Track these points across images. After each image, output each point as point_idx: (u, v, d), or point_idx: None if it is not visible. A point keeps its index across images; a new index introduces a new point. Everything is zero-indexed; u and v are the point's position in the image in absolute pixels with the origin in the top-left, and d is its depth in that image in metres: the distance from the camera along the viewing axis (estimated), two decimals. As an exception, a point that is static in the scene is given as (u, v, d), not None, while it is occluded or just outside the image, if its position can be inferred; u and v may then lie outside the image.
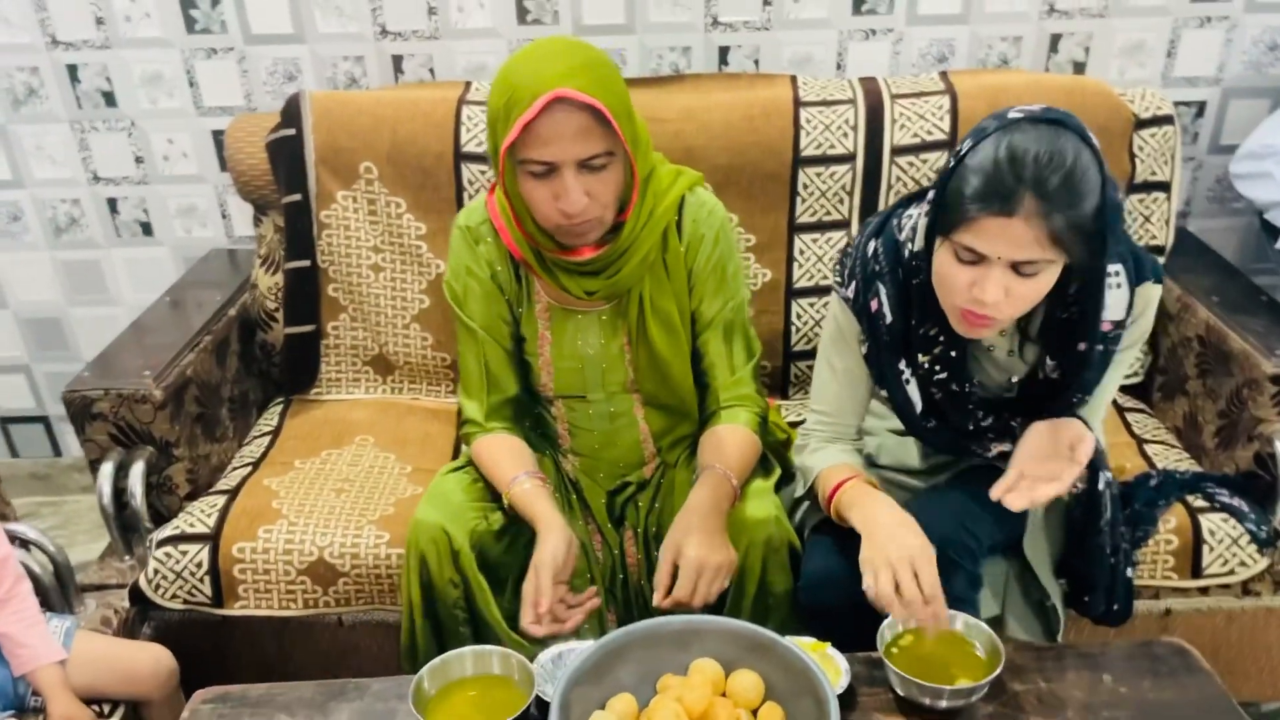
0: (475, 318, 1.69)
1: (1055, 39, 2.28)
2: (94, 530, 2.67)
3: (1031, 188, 1.23)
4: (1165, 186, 2.12)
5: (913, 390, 1.54)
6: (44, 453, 2.81)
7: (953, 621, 1.42)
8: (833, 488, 1.53)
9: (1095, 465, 1.50)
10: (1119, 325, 1.43)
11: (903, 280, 1.48)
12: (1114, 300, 1.42)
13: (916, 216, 1.46)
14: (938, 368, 1.50)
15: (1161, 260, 2.14)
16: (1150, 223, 2.13)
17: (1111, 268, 1.40)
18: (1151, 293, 1.45)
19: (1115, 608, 1.63)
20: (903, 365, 1.52)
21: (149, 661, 1.64)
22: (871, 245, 1.51)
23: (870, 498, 1.48)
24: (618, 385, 1.74)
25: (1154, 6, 2.25)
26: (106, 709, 1.61)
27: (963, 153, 1.30)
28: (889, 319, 1.49)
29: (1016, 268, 1.29)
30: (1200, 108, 2.35)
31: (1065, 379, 1.47)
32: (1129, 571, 1.63)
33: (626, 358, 1.71)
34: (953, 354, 1.48)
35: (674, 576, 1.51)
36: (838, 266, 1.57)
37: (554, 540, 1.54)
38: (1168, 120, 2.09)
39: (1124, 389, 2.20)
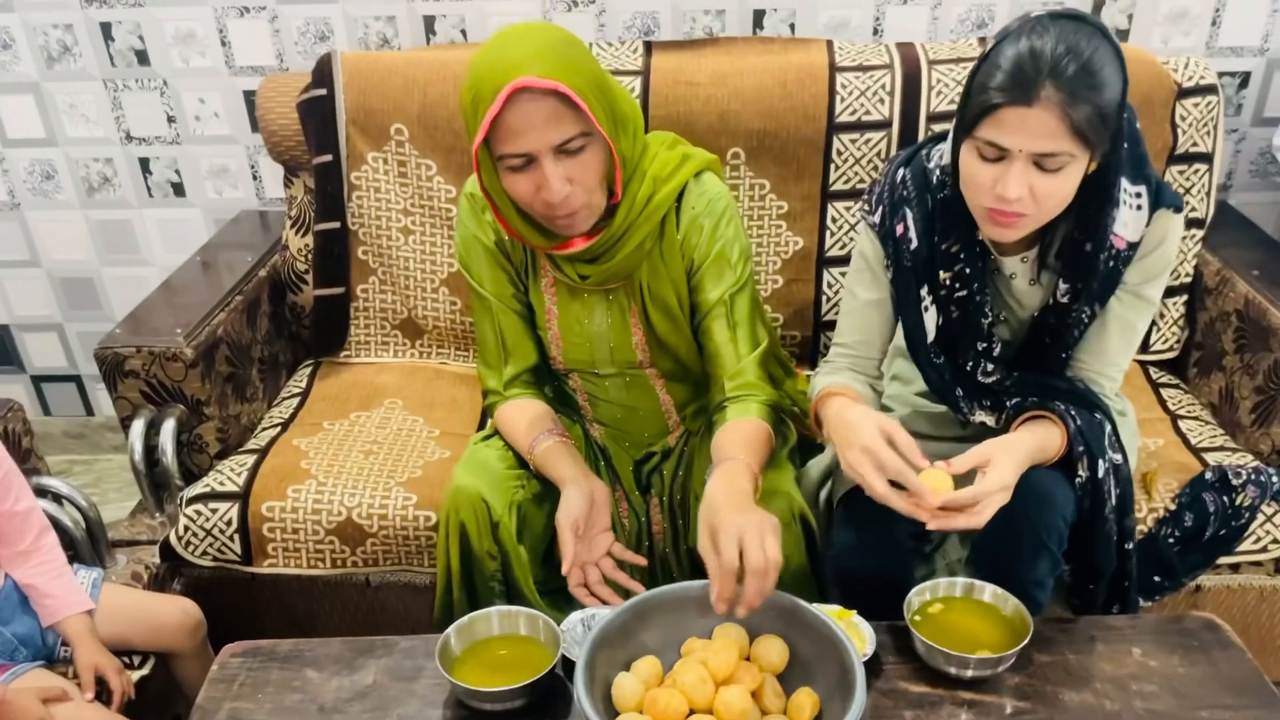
0: (485, 285, 1.68)
1: (1099, 5, 2.23)
2: (125, 489, 2.71)
3: (1049, 77, 1.26)
4: (1207, 158, 2.08)
5: (929, 318, 1.54)
6: (76, 411, 2.84)
7: (980, 592, 1.42)
8: (818, 398, 1.54)
9: (1093, 452, 1.46)
10: (1132, 247, 1.44)
11: (930, 207, 1.49)
12: (1131, 219, 1.42)
13: (946, 145, 1.47)
14: (958, 285, 1.50)
15: (1200, 233, 2.10)
16: (1190, 194, 2.09)
17: (1134, 188, 1.41)
18: (1168, 222, 1.44)
19: (1115, 608, 1.59)
20: (924, 292, 1.53)
21: (176, 613, 1.66)
22: (901, 173, 1.53)
23: (845, 404, 1.47)
24: (628, 361, 1.71)
25: (1200, -27, 2.20)
26: (136, 661, 1.63)
27: (988, 50, 1.32)
28: (914, 243, 1.51)
29: (1039, 163, 1.30)
30: (1245, 78, 2.30)
31: (1073, 299, 1.47)
32: (1134, 561, 1.58)
33: (635, 337, 1.68)
34: (971, 271, 1.49)
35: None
36: (866, 196, 1.58)
37: (570, 497, 1.55)
38: (1211, 90, 2.05)
39: (1159, 364, 2.17)
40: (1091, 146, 1.30)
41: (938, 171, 1.49)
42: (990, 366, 1.55)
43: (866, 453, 1.35)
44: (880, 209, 1.54)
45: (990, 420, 1.57)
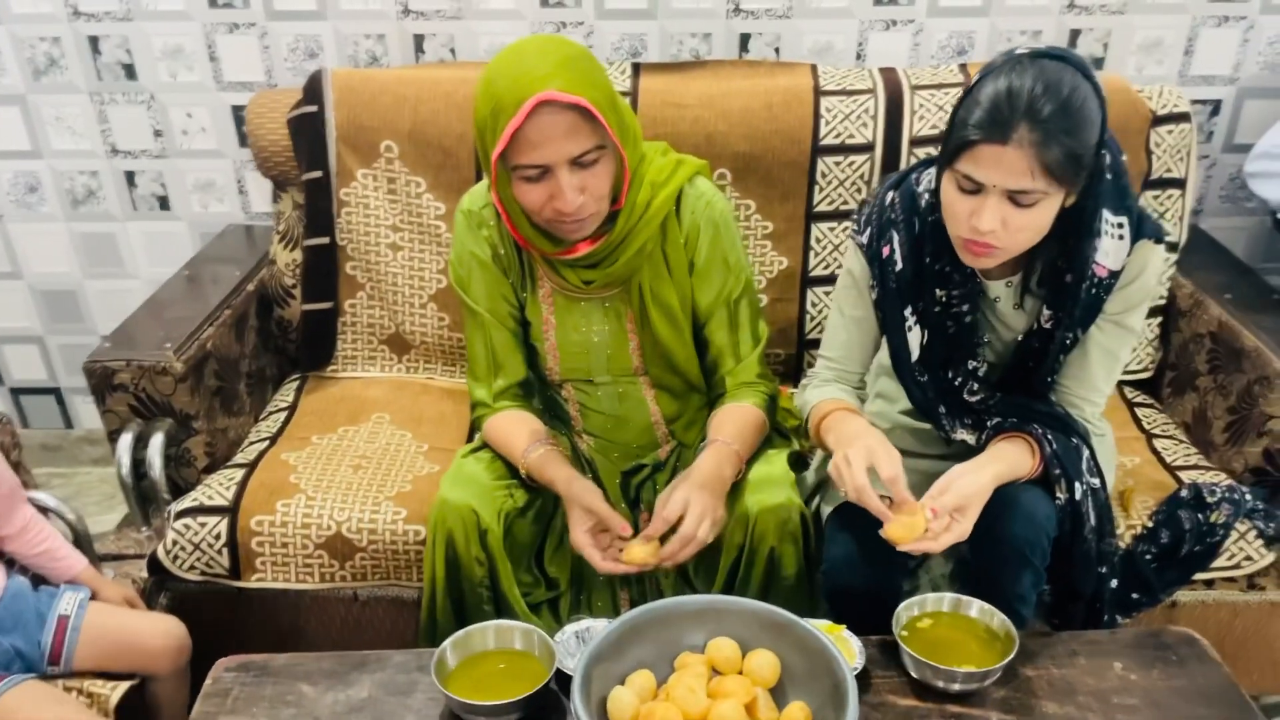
0: (479, 301, 1.71)
1: (1075, 34, 2.29)
2: (104, 502, 2.69)
3: (1025, 117, 1.30)
4: (1180, 183, 2.14)
5: (913, 338, 1.58)
6: (55, 424, 2.82)
7: (968, 607, 1.45)
8: (820, 415, 1.59)
9: (1070, 476, 1.50)
10: (1114, 275, 1.48)
11: (917, 230, 1.53)
12: (1113, 249, 1.47)
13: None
14: (954, 302, 1.54)
15: (1174, 257, 2.16)
16: (1164, 219, 2.14)
17: (1116, 218, 1.46)
18: (1149, 252, 1.48)
19: (1103, 618, 1.63)
20: (907, 312, 1.57)
21: (160, 636, 1.65)
22: (890, 195, 1.57)
23: (844, 420, 1.54)
24: (623, 369, 1.75)
25: (1173, 4, 2.26)
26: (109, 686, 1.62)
27: (972, 85, 1.37)
28: (899, 266, 1.55)
29: (1013, 198, 1.34)
30: (1216, 106, 2.37)
31: (1056, 326, 1.51)
32: (1112, 584, 1.62)
33: (631, 344, 1.72)
34: (962, 292, 1.53)
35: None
36: (855, 215, 1.63)
37: (579, 489, 1.59)
38: (1184, 118, 2.11)
39: (1134, 384, 2.22)
40: (1064, 185, 1.34)
41: (926, 195, 1.53)
42: (976, 385, 1.59)
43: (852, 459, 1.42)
44: (869, 230, 1.58)
45: (970, 439, 1.61)
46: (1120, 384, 2.21)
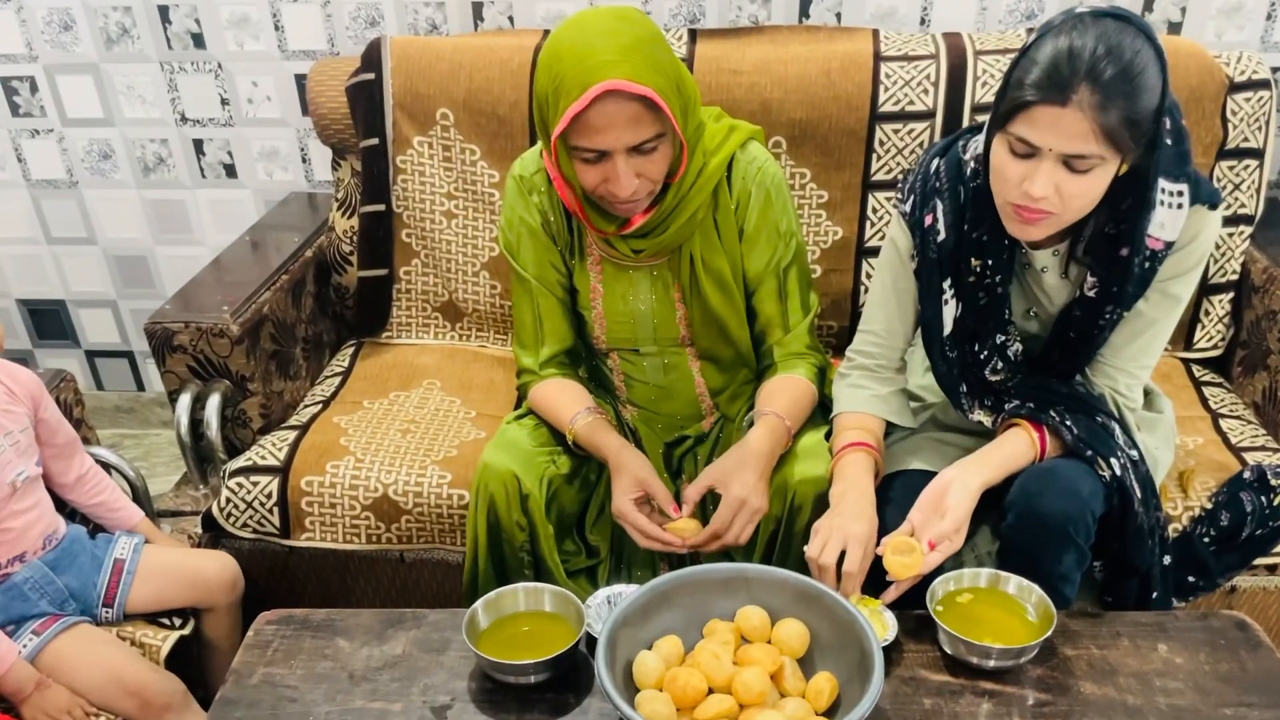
0: (528, 268, 1.71)
1: (1150, -1, 2.21)
2: (172, 463, 2.77)
3: (1086, 79, 1.25)
4: (1258, 154, 2.05)
5: (948, 311, 1.54)
6: (128, 386, 2.92)
7: (1005, 583, 1.42)
8: (840, 448, 1.56)
9: (1103, 453, 1.46)
10: (1169, 246, 1.42)
11: (962, 199, 1.49)
12: (1169, 219, 1.41)
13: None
14: (987, 274, 1.50)
15: (1249, 230, 2.07)
16: (1240, 190, 2.05)
17: (1175, 186, 1.39)
18: (1204, 217, 1.43)
19: (1154, 595, 1.58)
20: (946, 285, 1.53)
21: (215, 566, 1.72)
22: (935, 163, 1.53)
23: (854, 473, 1.51)
24: (670, 339, 1.74)
25: (1255, -34, 2.16)
26: (176, 622, 1.69)
27: (1029, 45, 1.31)
28: (941, 235, 1.51)
29: (1068, 163, 1.29)
30: (1300, 73, 2.26)
31: (1101, 297, 1.46)
32: (1165, 560, 1.57)
33: (679, 313, 1.71)
34: (997, 262, 1.49)
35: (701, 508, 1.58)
36: (900, 184, 1.59)
37: (627, 460, 1.59)
38: (1264, 85, 2.01)
39: (1203, 362, 2.14)
40: (1122, 151, 1.29)
41: (972, 163, 1.48)
42: (1000, 364, 1.55)
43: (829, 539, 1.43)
44: (912, 198, 1.54)
45: (987, 421, 1.58)
46: (1188, 362, 2.14)
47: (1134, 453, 1.49)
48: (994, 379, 1.56)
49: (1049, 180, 1.30)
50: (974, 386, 1.58)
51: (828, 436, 1.67)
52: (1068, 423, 1.47)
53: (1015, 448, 1.49)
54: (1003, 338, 1.54)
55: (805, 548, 1.45)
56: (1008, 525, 1.47)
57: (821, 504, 1.58)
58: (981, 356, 1.55)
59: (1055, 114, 1.27)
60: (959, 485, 1.42)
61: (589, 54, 1.40)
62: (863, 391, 1.62)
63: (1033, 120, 1.29)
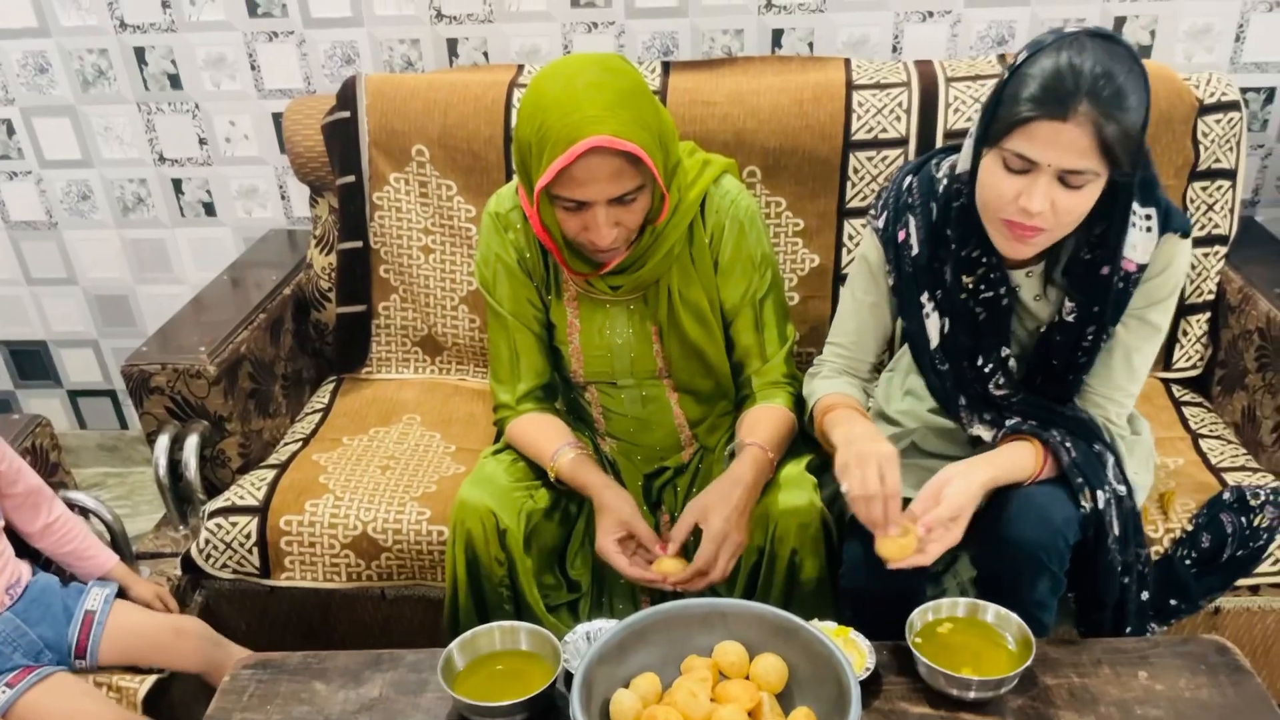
0: (504, 304, 1.71)
1: (1120, 21, 2.22)
2: (156, 501, 2.72)
3: (1088, 95, 1.26)
4: (1230, 174, 2.06)
5: (931, 325, 1.55)
6: (111, 425, 2.91)
7: (984, 612, 1.41)
8: (825, 408, 1.57)
9: (1092, 484, 1.46)
10: (1141, 269, 1.44)
11: (934, 216, 1.50)
12: (1141, 241, 1.43)
13: (957, 156, 1.48)
14: (983, 286, 1.50)
15: (1224, 250, 2.08)
16: (1213, 211, 2.06)
17: (1144, 210, 1.42)
18: (1175, 246, 1.44)
19: (1128, 630, 1.57)
20: (924, 299, 1.54)
21: (181, 633, 1.67)
22: (908, 180, 1.55)
23: (851, 418, 1.52)
24: (648, 372, 1.74)
25: (1222, -12, 2.18)
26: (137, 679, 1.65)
27: (1019, 62, 1.32)
28: (914, 250, 1.52)
29: (1063, 179, 1.31)
30: (1270, 94, 2.27)
31: (1081, 320, 1.47)
32: (1143, 595, 1.56)
33: (655, 347, 1.71)
34: (995, 276, 1.49)
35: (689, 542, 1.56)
36: (873, 201, 1.61)
37: (611, 500, 1.58)
38: (1233, 106, 2.03)
39: (1182, 382, 2.15)
40: (1115, 166, 1.30)
41: (945, 181, 1.49)
42: (1003, 379, 1.55)
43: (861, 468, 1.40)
44: (885, 214, 1.56)
45: (987, 435, 1.57)
46: (1167, 382, 2.14)
47: (1122, 488, 1.49)
48: (998, 394, 1.56)
49: (1046, 195, 1.31)
50: (974, 400, 1.59)
51: (809, 467, 1.66)
52: (1068, 444, 1.47)
53: (1019, 457, 1.47)
54: (1006, 350, 1.54)
55: (843, 490, 1.41)
56: (981, 552, 1.46)
57: (804, 534, 1.58)
58: (985, 370, 1.56)
59: (1055, 129, 1.28)
60: (961, 479, 1.41)
61: (574, 108, 1.41)
62: (835, 380, 1.65)
63: (1031, 135, 1.30)
